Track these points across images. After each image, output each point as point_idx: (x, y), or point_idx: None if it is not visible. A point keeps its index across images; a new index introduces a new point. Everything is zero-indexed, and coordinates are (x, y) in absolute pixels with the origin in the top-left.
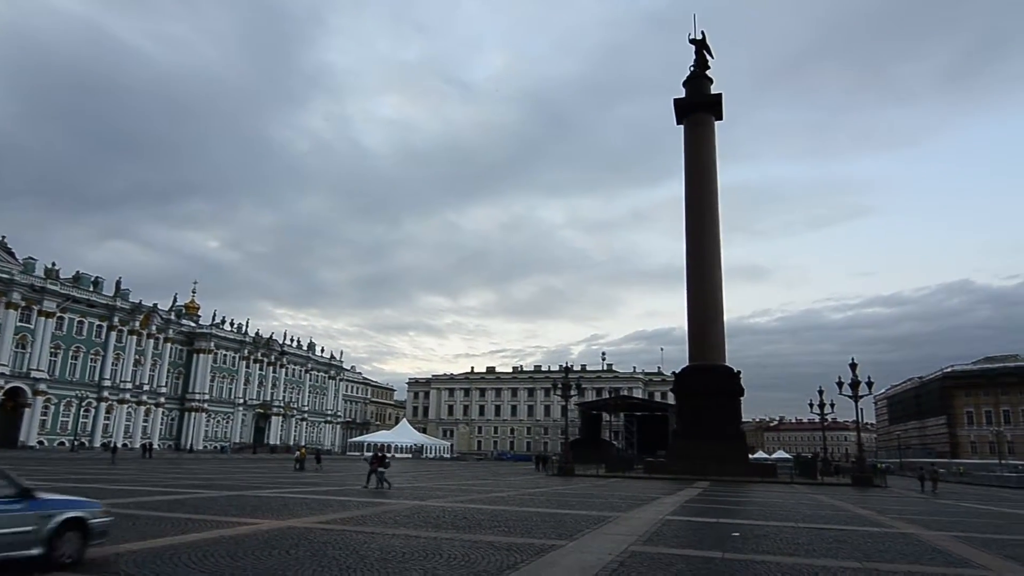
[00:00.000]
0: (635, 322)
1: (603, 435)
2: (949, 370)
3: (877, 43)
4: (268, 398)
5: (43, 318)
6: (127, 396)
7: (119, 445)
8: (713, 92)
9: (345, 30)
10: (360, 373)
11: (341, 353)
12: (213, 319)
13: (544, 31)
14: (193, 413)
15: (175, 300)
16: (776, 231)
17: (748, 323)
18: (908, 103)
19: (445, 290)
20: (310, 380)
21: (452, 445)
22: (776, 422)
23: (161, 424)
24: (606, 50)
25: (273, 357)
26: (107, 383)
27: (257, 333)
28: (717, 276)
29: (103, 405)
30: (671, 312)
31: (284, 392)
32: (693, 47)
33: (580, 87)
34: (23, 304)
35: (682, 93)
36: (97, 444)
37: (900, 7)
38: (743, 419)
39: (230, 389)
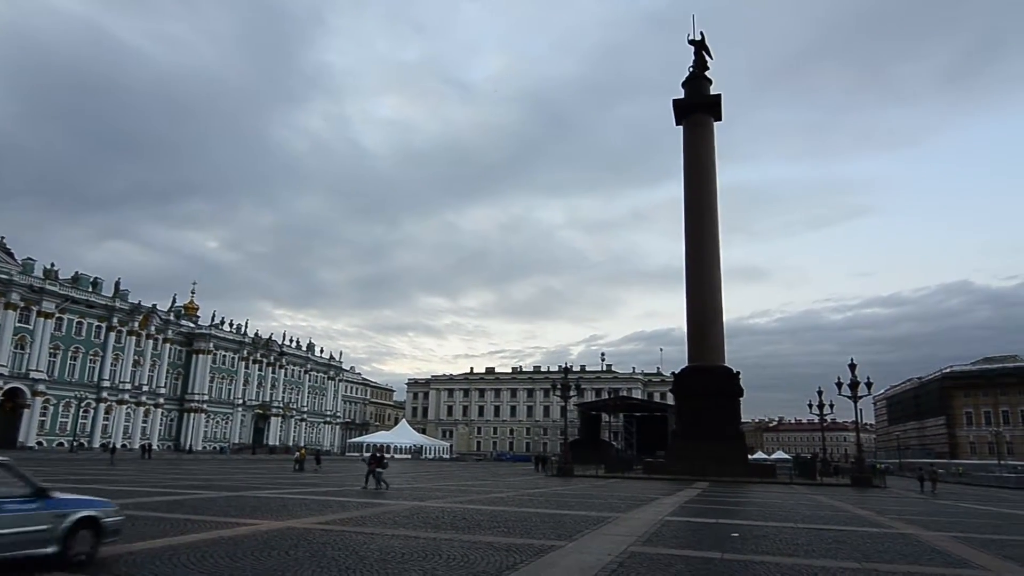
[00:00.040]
0: (634, 323)
1: (602, 436)
2: (948, 371)
3: (877, 43)
4: (267, 399)
5: (42, 319)
6: (126, 397)
7: (118, 446)
8: (712, 93)
9: (344, 30)
10: (359, 374)
11: (340, 354)
12: (212, 320)
13: (543, 31)
14: (192, 414)
15: (174, 301)
16: (775, 232)
17: (747, 324)
18: (908, 103)
19: (444, 291)
20: (309, 381)
21: (451, 446)
22: (775, 423)
23: (160, 425)
24: (605, 50)
25: (272, 358)
26: (106, 384)
27: (256, 334)
28: (716, 277)
29: (102, 406)
30: (670, 313)
31: (283, 393)
32: (692, 48)
33: (579, 87)
34: (22, 305)
35: (681, 94)
36: (96, 445)
37: (900, 7)
38: (742, 420)
39: (229, 390)
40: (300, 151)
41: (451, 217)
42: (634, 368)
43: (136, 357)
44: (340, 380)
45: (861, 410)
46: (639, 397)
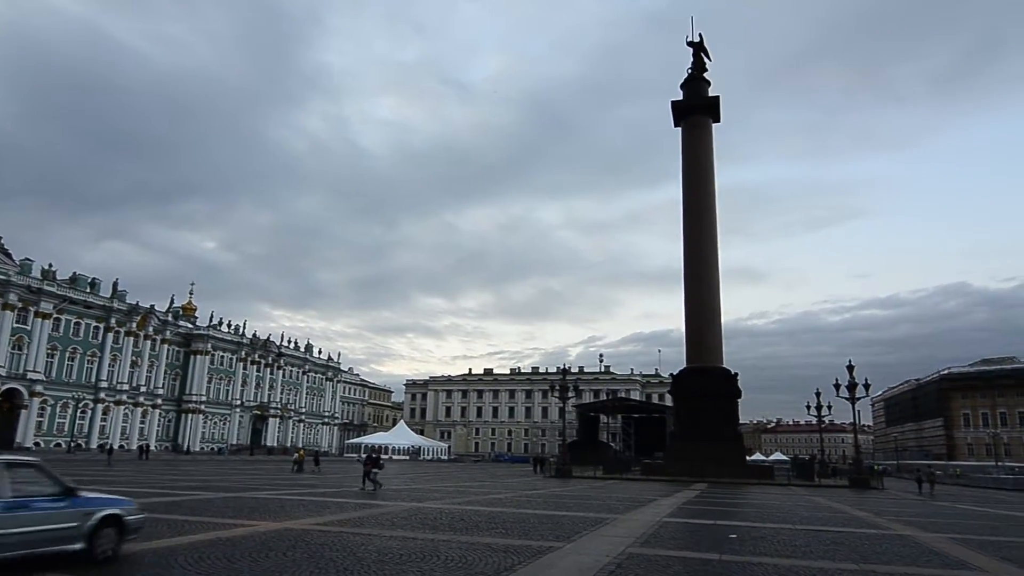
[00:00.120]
0: (633, 324)
1: (601, 437)
2: (946, 372)
3: (876, 43)
4: (265, 400)
5: (40, 319)
6: (124, 397)
7: (115, 446)
8: (711, 94)
9: (343, 31)
10: (358, 375)
11: (339, 355)
12: (210, 320)
13: (543, 31)
14: (190, 415)
15: (172, 301)
16: (774, 233)
17: (745, 325)
18: (907, 103)
19: (443, 291)
20: (307, 382)
21: (450, 447)
22: (773, 424)
23: (158, 425)
24: (605, 51)
25: (270, 359)
26: (104, 384)
27: (254, 334)
28: (714, 278)
29: (100, 406)
30: (669, 314)
31: (281, 394)
32: (691, 49)
33: (579, 88)
34: (20, 305)
35: (680, 95)
36: (93, 445)
37: (900, 7)
38: (740, 421)
39: (227, 390)
40: (299, 151)
41: (450, 218)
42: (632, 369)
43: (134, 358)
44: (338, 381)
45: (859, 412)
46: (637, 398)
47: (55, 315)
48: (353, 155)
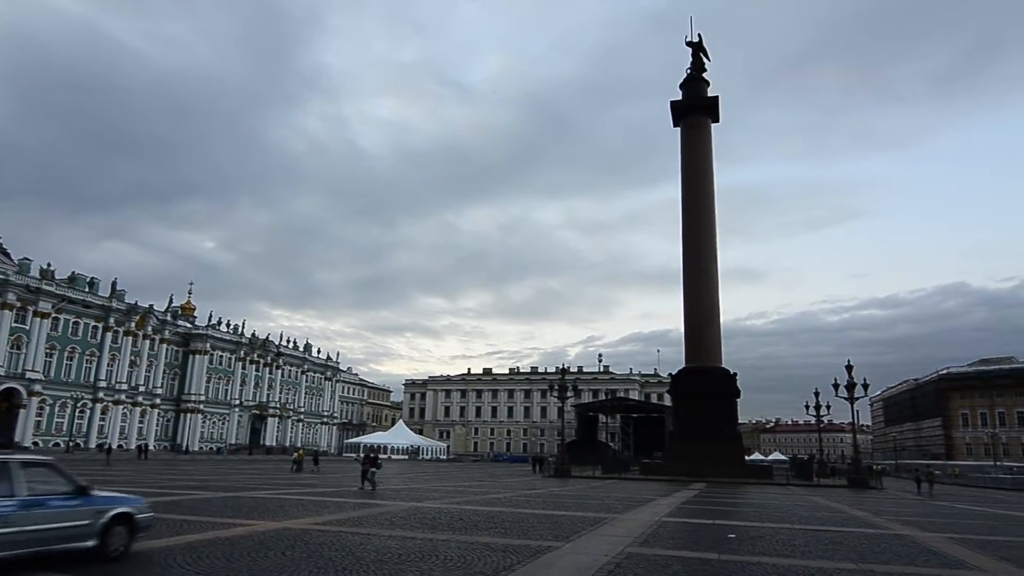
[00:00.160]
0: (632, 324)
1: (599, 436)
2: (945, 372)
3: (876, 43)
4: (264, 399)
5: (38, 319)
6: (122, 397)
7: (114, 446)
8: (710, 95)
9: (343, 31)
10: (357, 374)
11: (337, 354)
12: (209, 320)
13: (543, 31)
14: (189, 414)
15: (171, 301)
16: (773, 233)
17: (744, 325)
18: (907, 103)
19: (442, 291)
20: (306, 381)
21: (448, 446)
22: (772, 424)
23: (157, 425)
24: (605, 51)
25: (269, 358)
26: (102, 384)
27: (253, 334)
28: (713, 278)
29: (98, 406)
30: (668, 314)
31: (280, 393)
32: (690, 49)
33: (578, 88)
34: (18, 305)
35: (679, 95)
36: (92, 445)
37: (900, 7)
38: (739, 421)
39: (226, 390)
40: (298, 151)
41: (449, 218)
42: (631, 369)
43: (133, 357)
44: (337, 381)
45: (858, 411)
46: (636, 398)
47: (54, 314)
48: (352, 155)
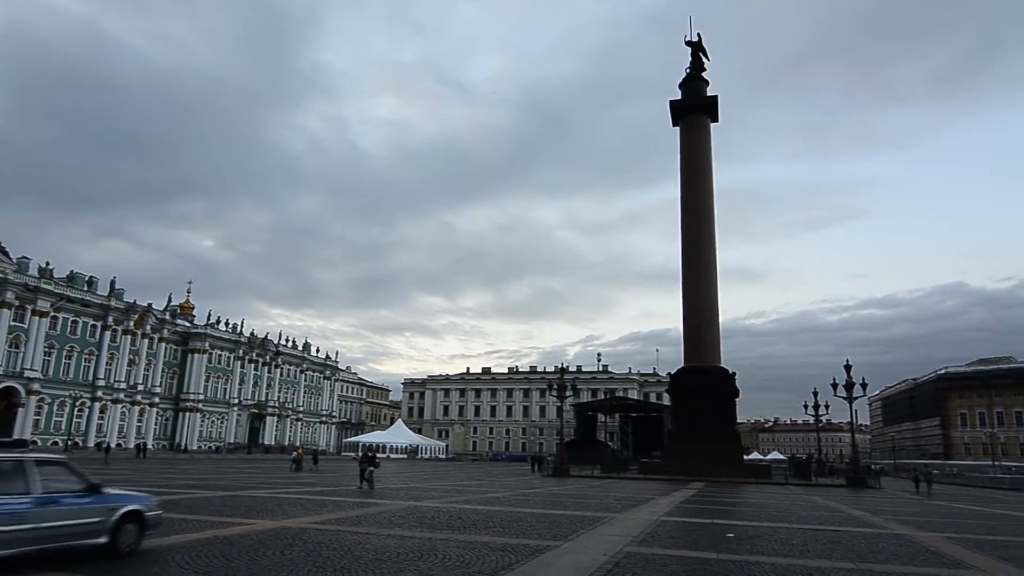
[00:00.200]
0: (631, 323)
1: (598, 436)
2: (943, 372)
3: (876, 43)
4: (263, 398)
5: (37, 317)
6: (121, 396)
7: (113, 445)
8: (709, 94)
9: (342, 30)
10: (355, 374)
11: (336, 353)
12: (208, 319)
13: (543, 31)
14: (188, 413)
15: (170, 300)
16: (772, 232)
17: (743, 325)
18: (907, 103)
19: (441, 291)
20: (305, 380)
21: (447, 446)
22: (771, 423)
23: (155, 424)
24: (605, 50)
25: (268, 357)
26: (101, 383)
27: (252, 333)
28: (712, 278)
29: (97, 405)
30: (667, 313)
31: (279, 392)
32: (690, 49)
33: (578, 88)
34: (17, 303)
35: (679, 95)
36: (91, 444)
37: (900, 7)
38: (738, 420)
39: (225, 389)
40: (297, 151)
41: (448, 217)
42: (630, 368)
43: (131, 356)
44: (336, 380)
45: (856, 411)
46: (635, 397)
47: (52, 313)
48: (352, 155)
